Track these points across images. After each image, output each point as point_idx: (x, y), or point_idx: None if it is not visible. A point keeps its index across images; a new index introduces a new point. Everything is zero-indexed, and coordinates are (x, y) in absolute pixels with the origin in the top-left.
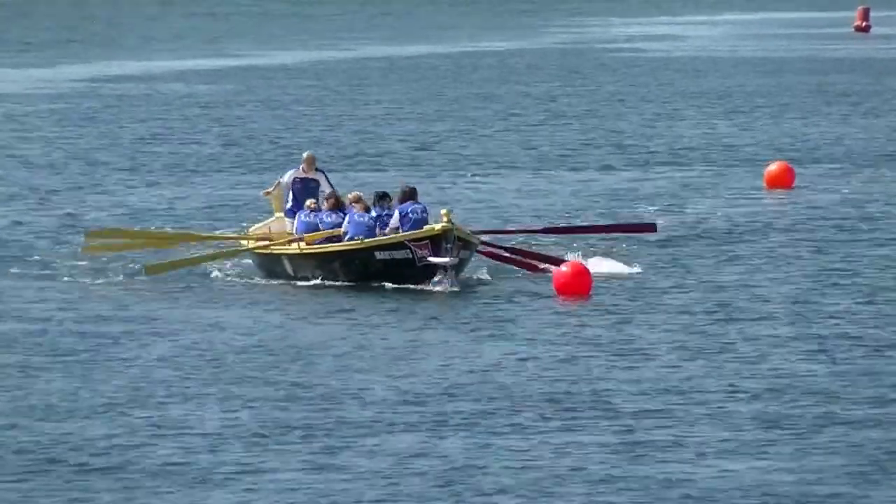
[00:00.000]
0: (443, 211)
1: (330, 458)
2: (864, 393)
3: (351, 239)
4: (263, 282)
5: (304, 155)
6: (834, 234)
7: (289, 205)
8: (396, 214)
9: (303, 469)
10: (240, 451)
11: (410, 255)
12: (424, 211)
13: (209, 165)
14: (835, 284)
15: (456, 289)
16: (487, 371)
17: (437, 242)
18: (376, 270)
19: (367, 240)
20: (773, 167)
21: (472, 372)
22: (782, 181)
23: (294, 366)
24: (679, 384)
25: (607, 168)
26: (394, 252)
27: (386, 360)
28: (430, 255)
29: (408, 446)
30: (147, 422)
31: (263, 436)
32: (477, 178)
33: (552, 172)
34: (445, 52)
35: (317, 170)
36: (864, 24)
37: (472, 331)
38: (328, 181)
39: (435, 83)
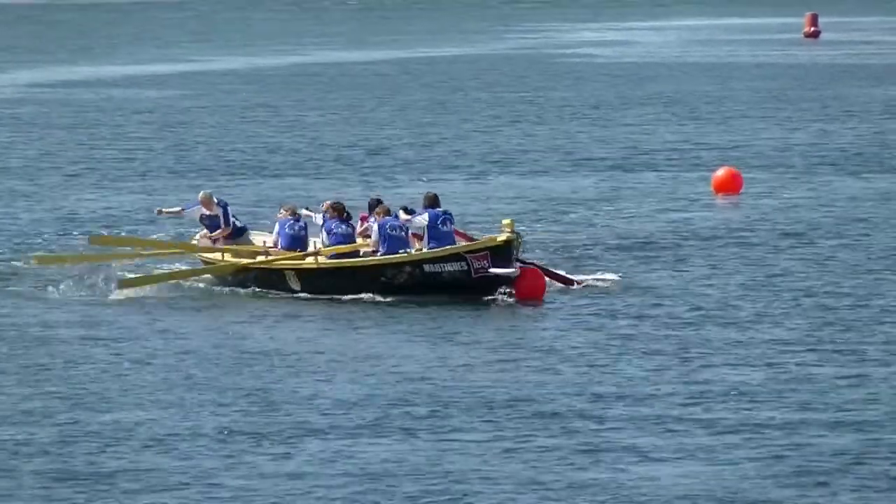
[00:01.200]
0: (506, 221)
1: (281, 462)
2: (802, 397)
3: (390, 251)
4: (226, 290)
5: (201, 196)
6: (780, 239)
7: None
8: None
9: (255, 473)
10: (190, 456)
11: (466, 267)
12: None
13: (150, 171)
14: (778, 289)
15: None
16: (431, 376)
17: (500, 253)
18: (423, 284)
19: (416, 252)
20: (721, 173)
21: (422, 378)
22: (730, 187)
23: (250, 372)
24: (624, 388)
25: (554, 173)
26: (446, 264)
27: (338, 366)
28: (491, 267)
29: (360, 450)
30: (102, 427)
31: (221, 440)
32: (426, 182)
33: (501, 177)
34: (398, 57)
35: (217, 205)
36: (813, 29)
37: (428, 337)
38: (228, 214)
39: (386, 89)
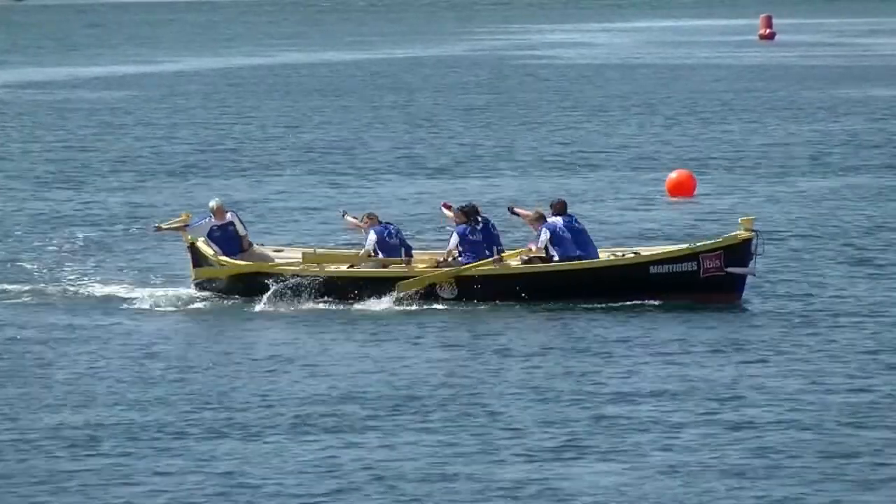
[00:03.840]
0: (744, 218)
1: (231, 461)
2: (707, 396)
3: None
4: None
5: (213, 205)
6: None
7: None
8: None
9: (209, 470)
10: (139, 453)
11: (695, 268)
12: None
13: (96, 173)
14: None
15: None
16: (377, 375)
17: (737, 252)
18: (646, 286)
19: (646, 253)
20: (675, 175)
21: (372, 375)
22: (684, 189)
23: (209, 373)
24: (562, 388)
25: (506, 174)
26: (674, 265)
27: (294, 366)
28: (727, 266)
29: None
30: (63, 427)
31: (180, 437)
32: (387, 184)
33: (458, 178)
34: (364, 59)
35: (227, 212)
36: (768, 31)
37: (383, 339)
38: (240, 220)
39: (353, 90)
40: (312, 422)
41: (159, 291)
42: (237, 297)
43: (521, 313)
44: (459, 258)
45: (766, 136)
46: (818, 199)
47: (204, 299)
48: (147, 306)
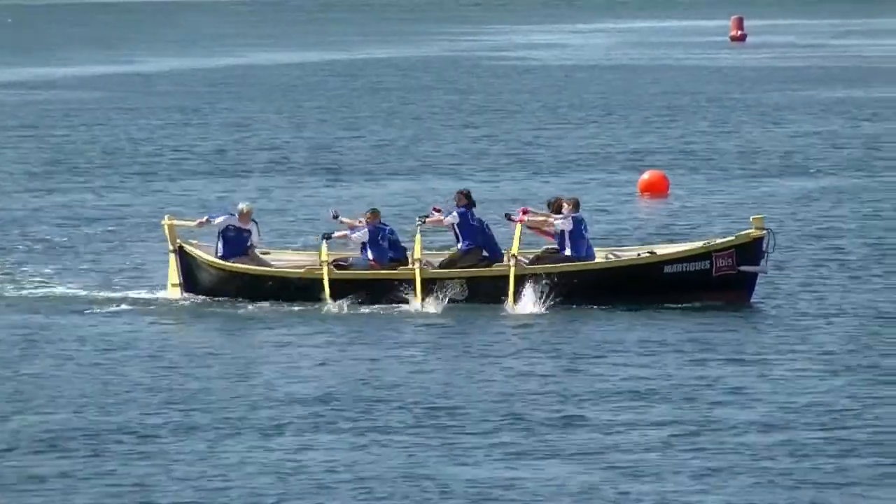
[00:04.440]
0: (755, 216)
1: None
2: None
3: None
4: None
5: (243, 208)
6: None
7: (220, 252)
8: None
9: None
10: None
11: (708, 267)
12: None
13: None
14: None
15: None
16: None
17: (749, 250)
18: (659, 286)
19: (660, 252)
20: (648, 175)
21: (334, 377)
22: (657, 189)
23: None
24: (529, 389)
25: (480, 174)
26: (688, 264)
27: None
28: (739, 265)
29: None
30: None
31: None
32: (361, 185)
33: (427, 179)
34: (328, 59)
35: (252, 220)
36: (739, 33)
37: (347, 341)
38: (258, 231)
39: (327, 90)
40: (280, 423)
41: (122, 294)
42: (238, 299)
43: (502, 315)
44: (458, 244)
45: (738, 137)
46: (790, 199)
47: (174, 301)
48: (114, 308)
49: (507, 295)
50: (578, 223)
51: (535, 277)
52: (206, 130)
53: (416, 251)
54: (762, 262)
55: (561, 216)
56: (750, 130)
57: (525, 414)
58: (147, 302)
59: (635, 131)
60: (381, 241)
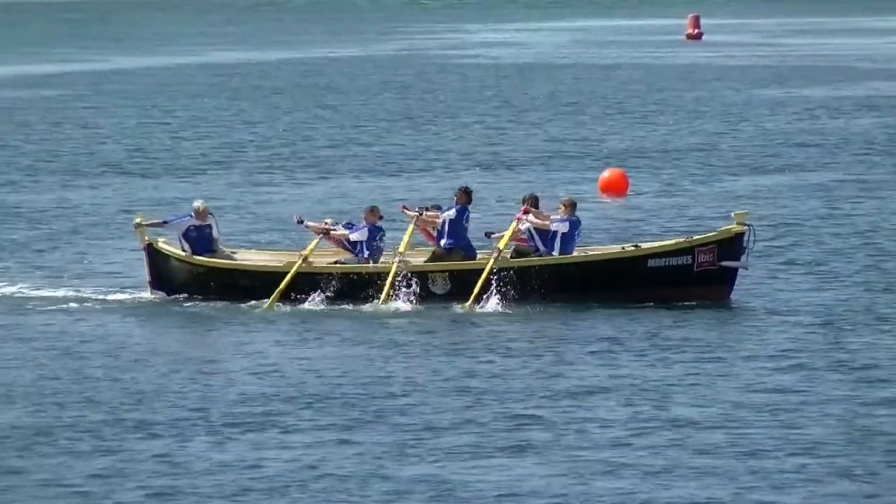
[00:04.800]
0: (737, 212)
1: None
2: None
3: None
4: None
5: (199, 206)
6: (667, 239)
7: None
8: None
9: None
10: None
11: (690, 261)
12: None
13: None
14: None
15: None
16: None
17: (730, 246)
18: (642, 280)
19: (644, 246)
20: (607, 174)
21: (285, 376)
22: (616, 188)
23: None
24: (483, 387)
25: (437, 173)
26: (671, 259)
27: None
28: (720, 261)
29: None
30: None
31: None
32: (316, 184)
33: (384, 178)
34: (279, 58)
35: (210, 214)
36: (696, 31)
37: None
38: (217, 224)
39: (283, 90)
40: (236, 421)
41: (72, 292)
42: (209, 297)
43: (477, 311)
44: (442, 240)
45: (695, 135)
46: (748, 196)
47: (132, 300)
48: (66, 305)
49: (488, 290)
50: (574, 226)
51: (522, 272)
52: (157, 129)
53: (403, 245)
54: (742, 258)
55: (558, 218)
56: (707, 128)
57: (487, 411)
58: (97, 300)
59: (593, 130)
60: (378, 242)
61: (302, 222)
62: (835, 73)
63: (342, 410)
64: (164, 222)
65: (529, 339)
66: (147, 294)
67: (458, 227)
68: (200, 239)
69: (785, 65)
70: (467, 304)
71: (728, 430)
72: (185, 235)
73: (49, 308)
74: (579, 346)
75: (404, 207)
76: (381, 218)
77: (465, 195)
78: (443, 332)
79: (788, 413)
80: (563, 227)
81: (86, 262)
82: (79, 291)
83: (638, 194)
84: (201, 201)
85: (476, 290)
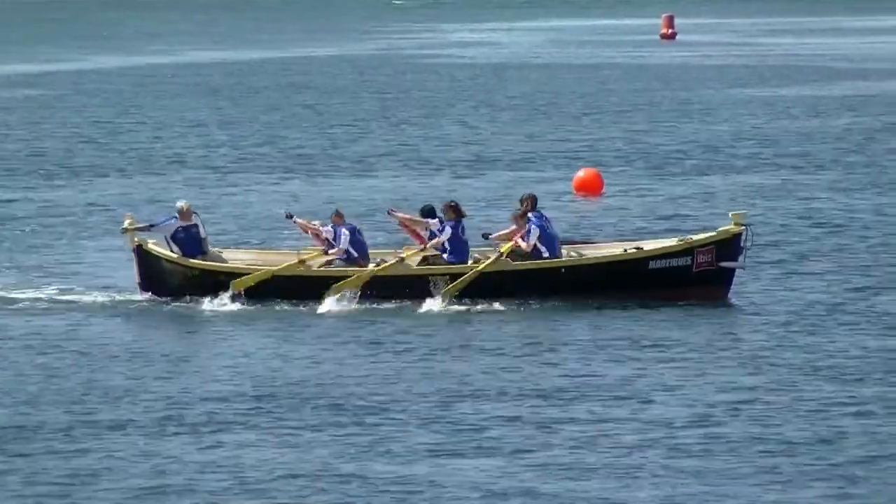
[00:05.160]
0: (734, 212)
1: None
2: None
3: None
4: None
5: (182, 206)
6: (641, 239)
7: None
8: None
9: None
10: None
11: (689, 262)
12: (359, 232)
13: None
14: None
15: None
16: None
17: (727, 246)
18: (642, 282)
19: (646, 247)
20: (582, 174)
21: (257, 375)
22: (591, 187)
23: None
24: (461, 386)
25: (413, 174)
26: (672, 260)
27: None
28: (718, 261)
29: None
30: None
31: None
32: (291, 183)
33: (360, 178)
34: (254, 58)
35: (193, 214)
36: (670, 31)
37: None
38: (202, 223)
39: (260, 89)
40: (206, 421)
41: (47, 292)
42: (198, 297)
43: (466, 312)
44: (444, 256)
45: (669, 135)
46: (724, 196)
47: (118, 301)
48: (44, 305)
49: (488, 290)
50: (542, 224)
51: (522, 274)
52: (137, 128)
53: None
54: (740, 258)
55: (528, 229)
56: (681, 128)
57: (460, 411)
58: (79, 302)
59: (568, 130)
60: (359, 237)
61: (291, 217)
62: (808, 73)
63: (324, 410)
64: (151, 226)
65: (524, 339)
66: (137, 296)
67: (457, 242)
68: (189, 240)
69: (759, 64)
70: (450, 287)
71: (728, 430)
72: (174, 237)
73: (34, 309)
74: (571, 346)
75: (391, 211)
76: (341, 216)
77: (453, 211)
78: (443, 333)
79: (787, 413)
80: (534, 234)
81: (68, 262)
82: (64, 293)
83: (612, 194)
84: (184, 201)
85: (462, 285)
